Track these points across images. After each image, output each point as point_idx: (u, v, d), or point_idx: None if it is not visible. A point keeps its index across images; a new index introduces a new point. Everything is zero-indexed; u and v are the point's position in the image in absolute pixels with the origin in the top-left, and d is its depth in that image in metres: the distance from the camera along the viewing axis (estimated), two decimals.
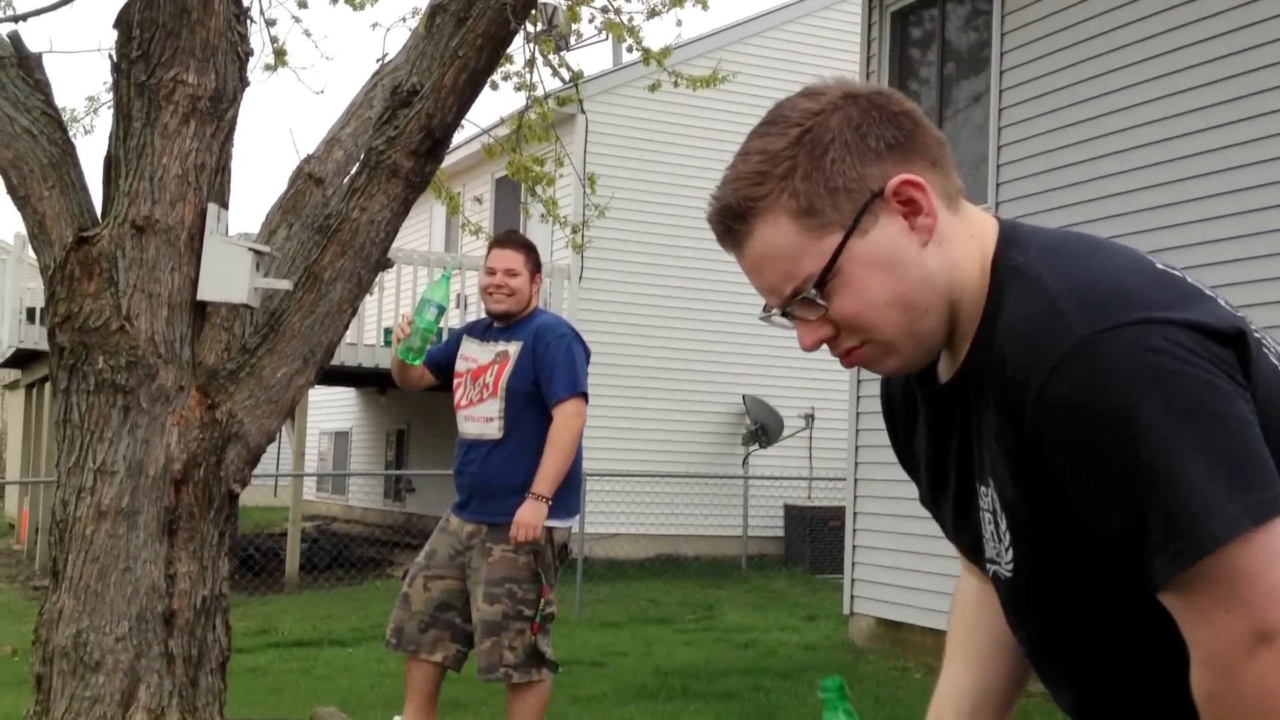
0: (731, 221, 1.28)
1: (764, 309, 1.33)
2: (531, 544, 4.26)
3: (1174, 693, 1.19)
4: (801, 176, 1.24)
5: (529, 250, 4.53)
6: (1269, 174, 5.92)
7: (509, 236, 4.63)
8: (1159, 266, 1.25)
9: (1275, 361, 1.25)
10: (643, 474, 13.31)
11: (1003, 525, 1.29)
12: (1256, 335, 1.24)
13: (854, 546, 8.51)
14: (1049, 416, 1.16)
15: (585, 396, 4.38)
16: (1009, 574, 1.32)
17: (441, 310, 4.45)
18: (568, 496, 4.39)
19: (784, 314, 1.29)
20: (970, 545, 1.40)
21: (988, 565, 1.37)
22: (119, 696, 4.03)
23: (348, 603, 11.11)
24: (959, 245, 1.28)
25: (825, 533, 13.64)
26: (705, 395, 14.64)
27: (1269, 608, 1.11)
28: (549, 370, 4.33)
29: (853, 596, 8.53)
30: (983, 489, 1.31)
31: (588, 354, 4.48)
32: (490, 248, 4.58)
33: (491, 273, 4.47)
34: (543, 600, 4.29)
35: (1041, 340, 1.17)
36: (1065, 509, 1.20)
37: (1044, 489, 1.21)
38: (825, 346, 1.31)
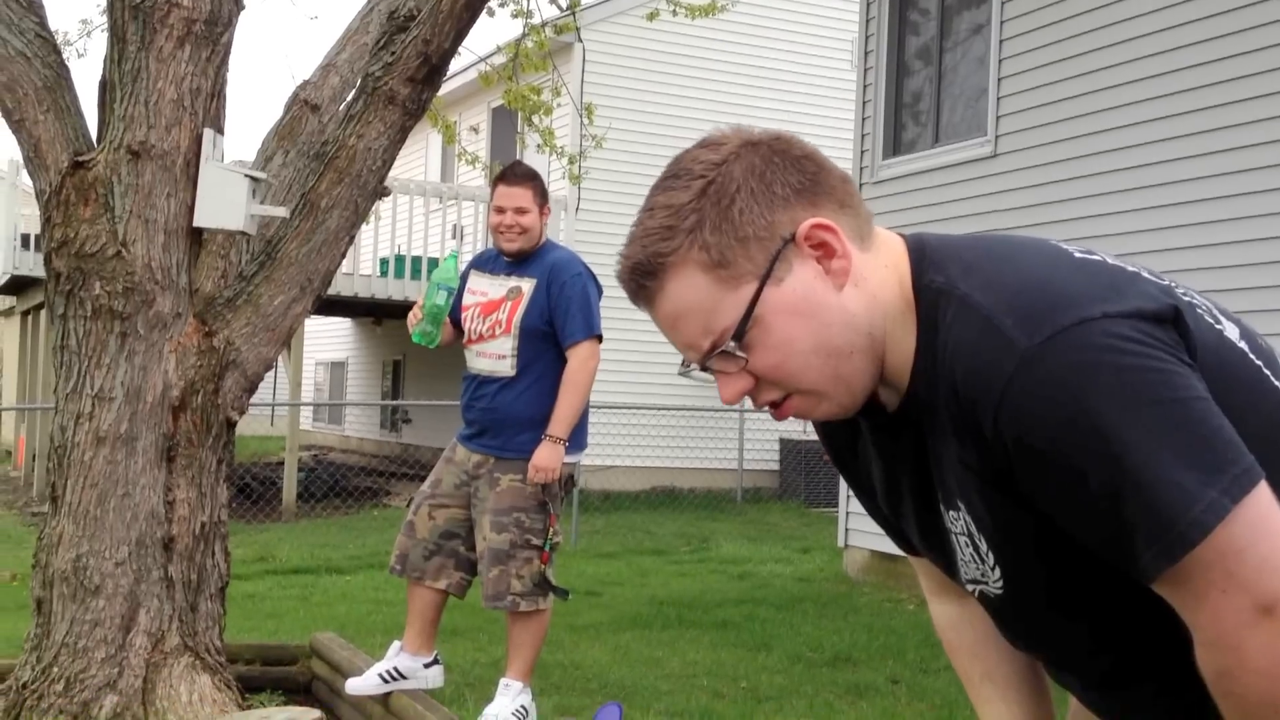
0: (642, 279, 1.25)
1: (683, 364, 1.30)
2: None
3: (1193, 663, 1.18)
4: (710, 229, 1.22)
5: (536, 182, 4.44)
6: (1258, 110, 5.90)
7: (515, 171, 4.49)
8: (1078, 255, 1.23)
9: (1210, 320, 1.23)
10: (639, 406, 13.35)
11: (983, 546, 1.28)
12: (1186, 299, 1.22)
13: None
14: (1011, 435, 1.15)
15: (600, 338, 4.38)
16: (999, 591, 1.31)
17: (450, 293, 4.40)
18: (577, 432, 4.40)
19: (703, 368, 1.27)
20: (943, 565, 1.39)
21: (970, 585, 1.36)
22: (119, 620, 4.07)
23: (345, 531, 11.17)
24: (876, 280, 1.25)
25: (820, 466, 13.71)
26: None
27: (1264, 579, 1.09)
28: (564, 311, 4.31)
29: (847, 529, 8.58)
30: (952, 514, 1.29)
31: (600, 291, 4.45)
32: (495, 183, 4.49)
33: (501, 211, 4.38)
34: (551, 529, 4.31)
35: (987, 362, 1.15)
36: (1046, 519, 1.19)
37: (1020, 504, 1.19)
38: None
